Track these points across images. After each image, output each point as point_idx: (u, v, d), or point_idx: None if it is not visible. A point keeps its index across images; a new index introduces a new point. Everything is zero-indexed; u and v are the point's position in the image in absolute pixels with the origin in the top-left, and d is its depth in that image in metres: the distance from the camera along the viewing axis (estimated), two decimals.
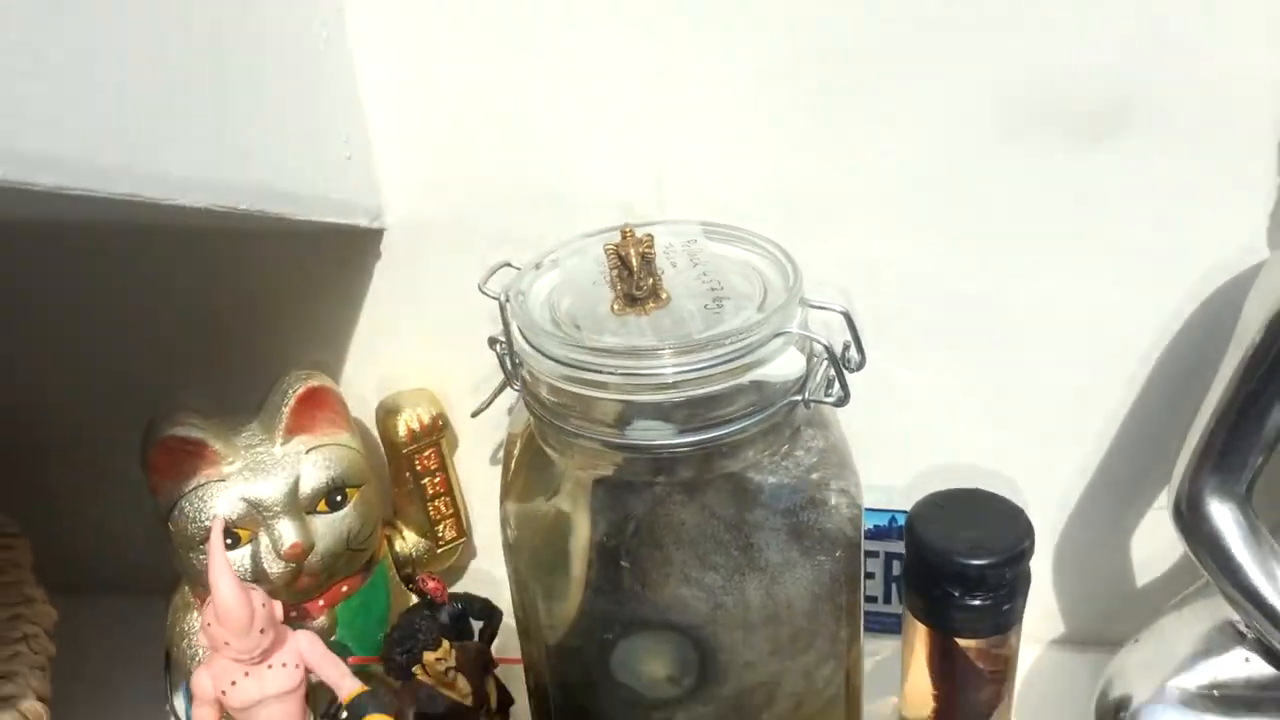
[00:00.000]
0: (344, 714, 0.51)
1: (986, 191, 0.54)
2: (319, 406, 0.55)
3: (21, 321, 0.64)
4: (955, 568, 0.49)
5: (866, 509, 0.53)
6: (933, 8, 0.51)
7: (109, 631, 0.67)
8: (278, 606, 0.49)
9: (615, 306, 0.46)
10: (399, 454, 0.60)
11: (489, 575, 0.66)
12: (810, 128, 0.54)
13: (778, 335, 0.45)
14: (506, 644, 0.58)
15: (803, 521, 0.49)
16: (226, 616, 0.47)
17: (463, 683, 0.53)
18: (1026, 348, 0.56)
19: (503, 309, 0.49)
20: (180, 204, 0.39)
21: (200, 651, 0.56)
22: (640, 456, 0.46)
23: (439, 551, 0.63)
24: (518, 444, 0.52)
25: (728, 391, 0.45)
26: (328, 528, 0.54)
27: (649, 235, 0.46)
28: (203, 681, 0.50)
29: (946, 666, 0.52)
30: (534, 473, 0.51)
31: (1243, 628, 0.50)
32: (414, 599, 0.60)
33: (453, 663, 0.52)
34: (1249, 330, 0.47)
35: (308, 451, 0.54)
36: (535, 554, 0.50)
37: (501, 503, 0.52)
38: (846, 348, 0.47)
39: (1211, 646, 0.50)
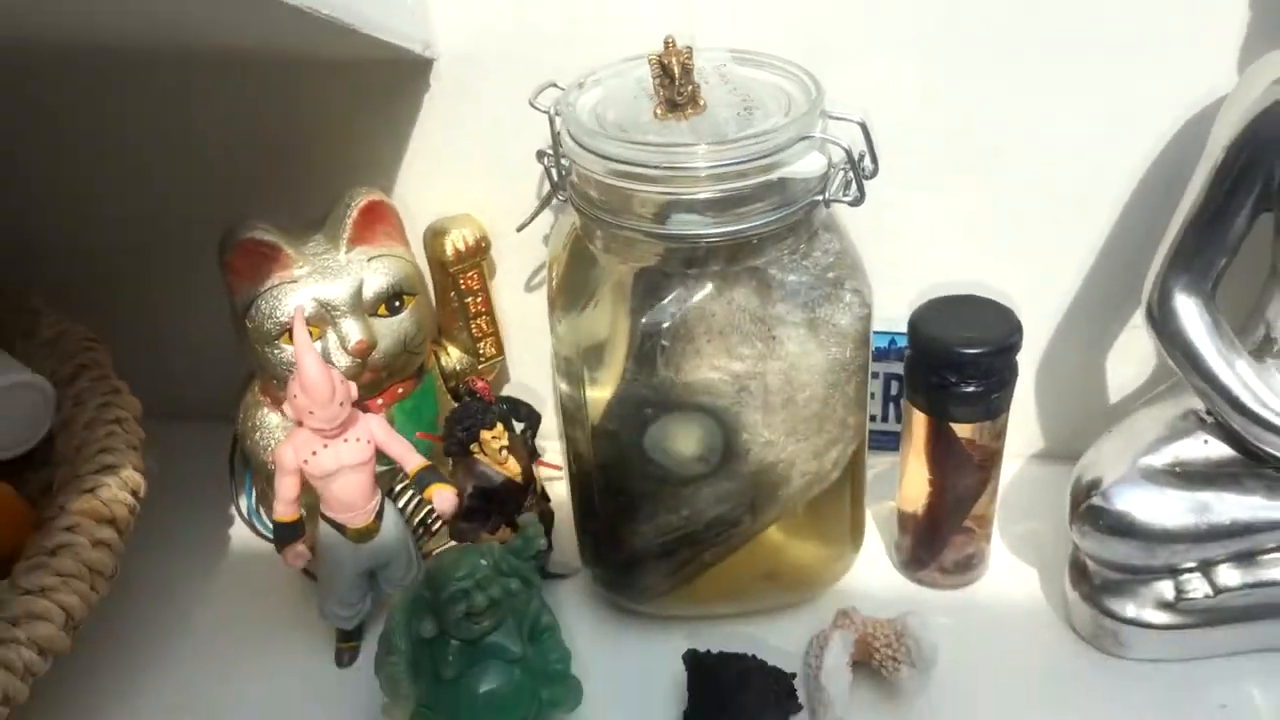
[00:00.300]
0: (410, 485, 0.58)
1: (983, 32, 0.59)
2: (379, 220, 0.61)
3: (103, 152, 0.69)
4: (952, 356, 0.55)
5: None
6: None
7: (172, 454, 0.73)
8: (352, 386, 0.56)
9: (657, 112, 0.52)
10: (445, 273, 0.66)
11: (526, 389, 0.72)
12: None
13: (802, 139, 0.51)
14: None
15: (819, 317, 0.55)
16: (312, 388, 0.53)
17: (514, 463, 0.59)
18: (1018, 176, 0.62)
19: (551, 121, 0.55)
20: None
21: (272, 442, 0.62)
22: (677, 247, 0.52)
23: (480, 367, 0.69)
24: (560, 261, 0.58)
25: (756, 188, 0.51)
26: (388, 329, 0.60)
27: (689, 47, 0.51)
28: (286, 453, 0.56)
29: (941, 453, 0.59)
30: (576, 277, 0.57)
31: (1203, 414, 0.57)
32: None
33: (506, 442, 0.58)
34: (1216, 146, 0.53)
35: (369, 260, 0.60)
36: (580, 346, 0.56)
37: (550, 306, 0.58)
38: (862, 157, 0.53)
39: (1175, 431, 0.57)
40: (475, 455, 0.58)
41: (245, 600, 0.67)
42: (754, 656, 0.58)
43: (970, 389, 0.56)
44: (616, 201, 0.52)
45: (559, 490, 0.67)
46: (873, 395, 0.70)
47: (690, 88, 0.51)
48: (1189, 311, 0.55)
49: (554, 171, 0.56)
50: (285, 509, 0.57)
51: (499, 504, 0.59)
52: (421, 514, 0.64)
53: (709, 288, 0.53)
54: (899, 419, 0.69)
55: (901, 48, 0.60)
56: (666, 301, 0.53)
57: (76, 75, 0.66)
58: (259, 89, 0.66)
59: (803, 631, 0.60)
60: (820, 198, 0.52)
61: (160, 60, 0.65)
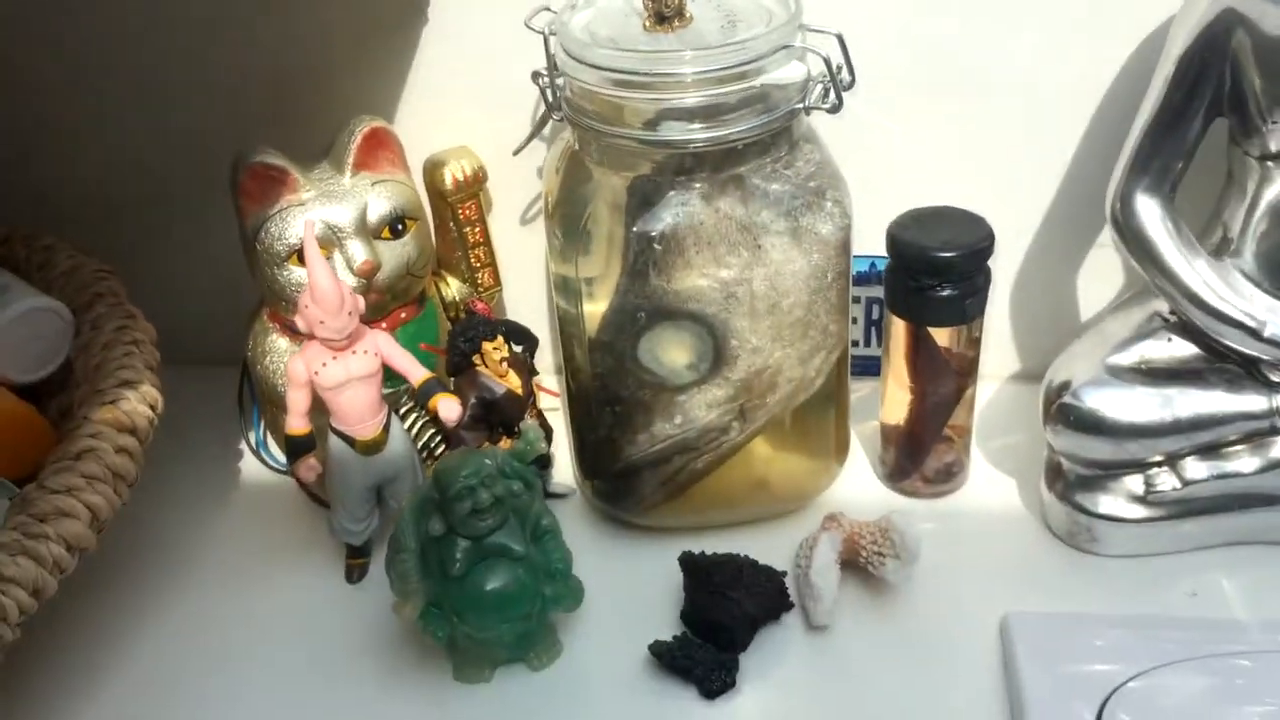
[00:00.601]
0: (415, 397, 0.61)
1: None
2: (381, 146, 0.64)
3: (108, 85, 0.71)
4: (929, 259, 0.58)
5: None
6: None
7: (183, 397, 0.76)
8: (360, 299, 0.58)
9: (646, 24, 0.55)
10: (444, 203, 0.69)
11: (523, 320, 0.75)
12: None
13: (782, 48, 0.54)
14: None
15: (801, 225, 0.58)
16: (322, 297, 0.56)
17: (514, 377, 0.62)
18: (990, 100, 0.65)
19: (546, 40, 0.57)
20: None
21: (281, 366, 0.65)
22: (667, 155, 0.55)
23: (479, 296, 0.72)
24: (555, 181, 0.61)
25: (739, 95, 0.54)
26: (391, 252, 0.63)
27: None
28: (296, 366, 0.59)
29: (921, 361, 0.62)
30: (572, 194, 0.59)
31: (1167, 315, 0.60)
32: None
33: (506, 354, 0.61)
34: (1170, 55, 0.56)
35: (373, 184, 0.63)
36: (576, 260, 0.59)
37: (547, 224, 0.61)
38: (840, 69, 0.56)
39: (1141, 332, 0.60)
40: (477, 367, 0.61)
41: (256, 527, 0.70)
42: (746, 556, 0.61)
43: (946, 292, 0.59)
44: (609, 112, 0.55)
45: (555, 421, 0.70)
46: (854, 320, 0.73)
47: (677, 1, 0.54)
48: (1149, 212, 0.58)
49: (549, 92, 0.59)
50: (297, 422, 0.60)
51: (500, 415, 0.61)
52: (425, 437, 0.67)
53: (698, 196, 0.56)
54: (880, 343, 0.72)
55: None
56: (658, 208, 0.56)
57: (83, 10, 0.69)
58: (262, 24, 0.68)
59: (791, 542, 0.63)
60: (800, 105, 0.55)
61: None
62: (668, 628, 0.59)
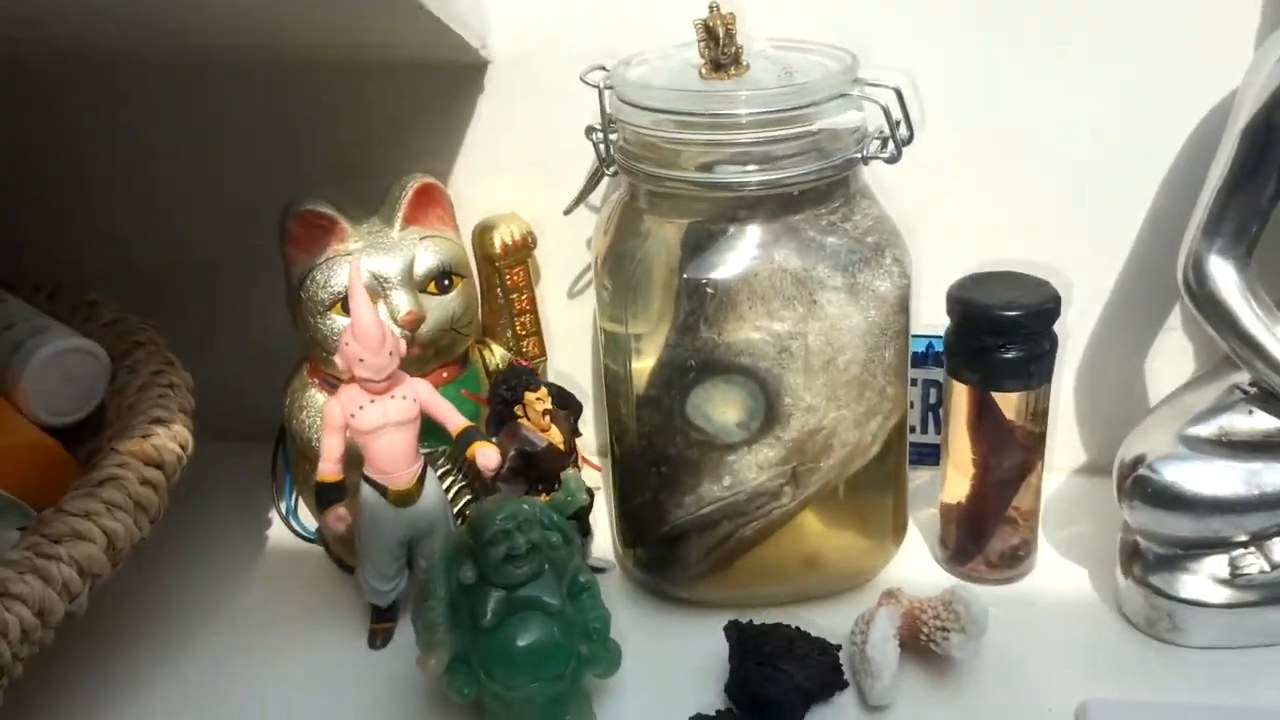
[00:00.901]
0: (453, 448, 0.58)
1: (1023, 16, 0.62)
2: (431, 203, 0.63)
3: (161, 161, 0.72)
4: (993, 318, 0.56)
5: None
6: None
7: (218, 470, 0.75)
8: (402, 342, 0.57)
9: (702, 72, 0.54)
10: (492, 268, 0.68)
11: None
12: None
13: (840, 96, 0.53)
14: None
15: (859, 282, 0.56)
16: (363, 332, 0.54)
17: (557, 433, 0.60)
18: (1051, 171, 0.64)
19: (601, 95, 0.57)
20: None
21: (318, 421, 0.63)
22: (721, 198, 0.54)
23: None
24: (606, 235, 0.60)
25: (795, 140, 0.53)
26: (437, 306, 0.62)
27: (732, 13, 0.54)
28: (333, 408, 0.57)
29: (984, 428, 0.59)
30: (622, 247, 0.58)
31: (1247, 386, 0.57)
32: None
33: (549, 405, 0.59)
34: (1240, 112, 0.55)
35: (421, 239, 0.62)
36: (626, 305, 0.57)
37: (595, 279, 0.60)
38: (898, 123, 0.55)
39: (1220, 404, 0.57)
40: (519, 419, 0.59)
41: (280, 592, 0.67)
42: (798, 627, 0.57)
43: (1011, 354, 0.56)
44: (664, 158, 0.54)
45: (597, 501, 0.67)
46: (912, 404, 0.70)
47: (734, 49, 0.54)
48: (1224, 274, 0.55)
49: (602, 147, 0.58)
50: (329, 468, 0.58)
51: (540, 469, 0.59)
52: (461, 503, 0.64)
53: (752, 244, 0.55)
54: (939, 429, 0.69)
55: (939, 34, 0.62)
56: (710, 253, 0.55)
57: (134, 79, 0.70)
58: (319, 95, 0.69)
59: (844, 622, 0.59)
60: (858, 154, 0.54)
61: (220, 65, 0.69)
62: (711, 702, 0.55)
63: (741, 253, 0.55)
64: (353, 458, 0.59)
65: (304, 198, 0.61)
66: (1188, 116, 0.62)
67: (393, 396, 0.57)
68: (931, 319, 0.63)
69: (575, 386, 0.73)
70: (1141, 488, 0.55)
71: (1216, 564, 0.56)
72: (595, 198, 0.67)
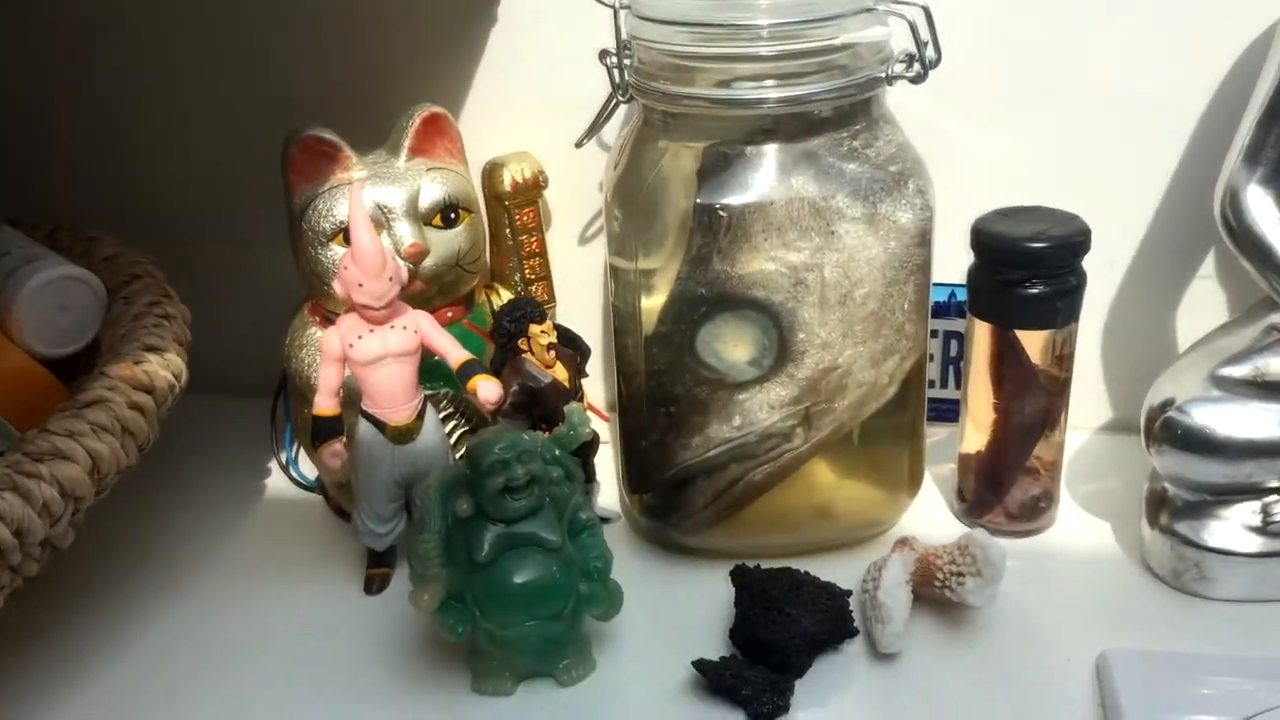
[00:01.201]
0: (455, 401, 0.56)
1: None
2: (439, 134, 0.61)
3: (169, 98, 0.71)
4: (1018, 251, 0.54)
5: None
6: None
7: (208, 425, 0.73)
8: (403, 269, 0.55)
9: None
10: (501, 208, 0.66)
11: None
12: None
13: (864, 10, 0.51)
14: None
15: (879, 212, 0.54)
16: (363, 256, 0.52)
17: (561, 370, 0.58)
18: (1083, 110, 0.61)
19: (615, 15, 0.55)
20: None
21: (318, 359, 0.61)
22: (740, 117, 0.52)
23: None
24: (615, 173, 0.58)
25: (817, 56, 0.51)
26: (442, 240, 0.60)
27: None
28: (330, 338, 0.55)
29: (1006, 369, 0.57)
30: (634, 177, 0.56)
31: None
32: None
33: (554, 338, 0.57)
34: None
35: (427, 170, 0.60)
36: (637, 235, 0.55)
37: (607, 210, 0.58)
38: (925, 44, 0.53)
39: (1255, 346, 0.54)
40: (523, 354, 0.57)
41: (278, 539, 0.65)
42: (806, 571, 0.54)
43: (1036, 290, 0.54)
44: (681, 77, 0.52)
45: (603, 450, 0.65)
46: (932, 357, 0.68)
47: None
48: (1263, 207, 0.53)
49: (616, 72, 0.56)
50: (326, 402, 0.56)
51: (543, 406, 0.57)
52: (461, 450, 0.62)
53: (769, 169, 0.53)
54: (959, 384, 0.67)
55: None
56: (725, 177, 0.52)
57: (133, 12, 0.68)
58: (323, 28, 0.67)
59: (856, 572, 0.56)
60: (883, 74, 0.52)
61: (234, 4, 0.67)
62: (715, 650, 0.53)
63: (758, 178, 0.53)
64: (352, 398, 0.57)
65: (307, 125, 0.60)
66: (1226, 51, 0.59)
67: (392, 327, 0.55)
68: (955, 267, 0.60)
69: (585, 336, 0.71)
70: (1170, 431, 0.53)
71: (1248, 511, 0.53)
72: (609, 136, 0.65)
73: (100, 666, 0.56)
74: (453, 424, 0.62)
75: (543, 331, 0.56)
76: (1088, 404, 0.68)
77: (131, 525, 0.66)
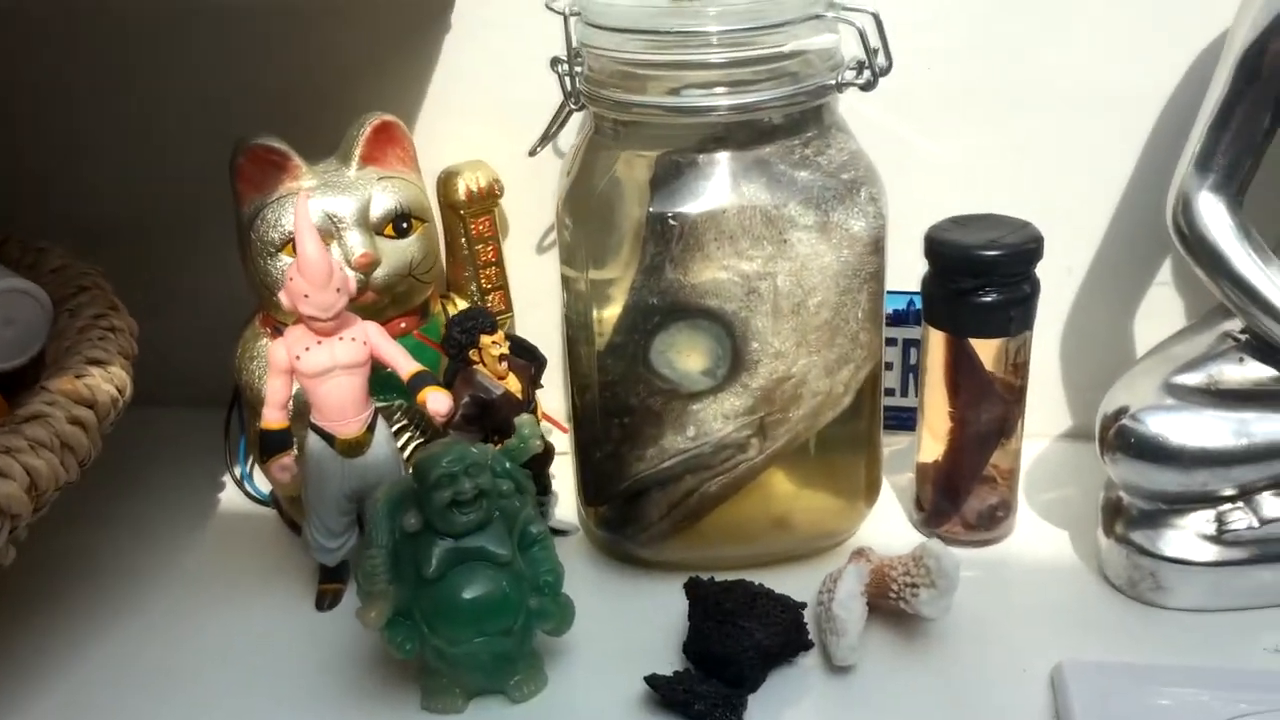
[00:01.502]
0: (406, 390, 0.56)
1: None
2: (390, 142, 0.60)
3: (119, 111, 0.70)
4: (970, 259, 0.53)
5: (886, 292, 0.57)
6: None
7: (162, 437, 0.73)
8: (351, 279, 0.54)
9: None
10: (456, 217, 0.65)
11: None
12: None
13: (813, 17, 0.50)
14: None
15: (832, 220, 0.53)
16: (308, 267, 0.52)
17: (514, 381, 0.57)
18: (1037, 113, 0.61)
19: (566, 22, 0.55)
20: None
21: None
22: (691, 125, 0.51)
23: None
24: (566, 183, 0.57)
25: (768, 63, 0.50)
26: (394, 250, 0.59)
27: None
28: (277, 351, 0.54)
29: (961, 377, 0.57)
30: (588, 180, 0.55)
31: (1238, 334, 0.54)
32: None
33: (506, 349, 0.56)
34: (1234, 45, 0.52)
35: (379, 179, 0.59)
36: (587, 246, 0.55)
37: (558, 215, 0.57)
38: (875, 51, 0.52)
39: (1209, 353, 0.54)
40: (474, 365, 0.56)
41: (231, 554, 0.64)
42: (761, 584, 0.54)
43: (989, 299, 0.54)
44: (631, 85, 0.52)
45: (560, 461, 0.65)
46: (890, 365, 0.67)
47: None
48: (1213, 212, 0.53)
49: (568, 80, 0.56)
50: (274, 415, 0.55)
51: (495, 418, 0.56)
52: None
53: (721, 176, 0.52)
54: (918, 392, 0.66)
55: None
56: (677, 186, 0.52)
57: (78, 22, 0.67)
58: (273, 36, 0.66)
59: (812, 584, 0.56)
60: (832, 81, 0.51)
61: (170, 5, 0.66)
62: (670, 664, 0.52)
63: (710, 187, 0.52)
64: (302, 411, 0.56)
65: (255, 134, 0.59)
66: (1180, 58, 0.59)
67: (341, 338, 0.54)
68: (913, 274, 0.60)
69: (542, 347, 0.70)
70: (1124, 439, 0.53)
71: (1202, 520, 0.53)
72: (566, 144, 0.64)
73: (49, 685, 0.55)
74: (406, 436, 0.62)
75: (494, 342, 0.56)
76: (1046, 411, 0.68)
77: (83, 540, 0.65)
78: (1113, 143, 0.61)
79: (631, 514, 0.58)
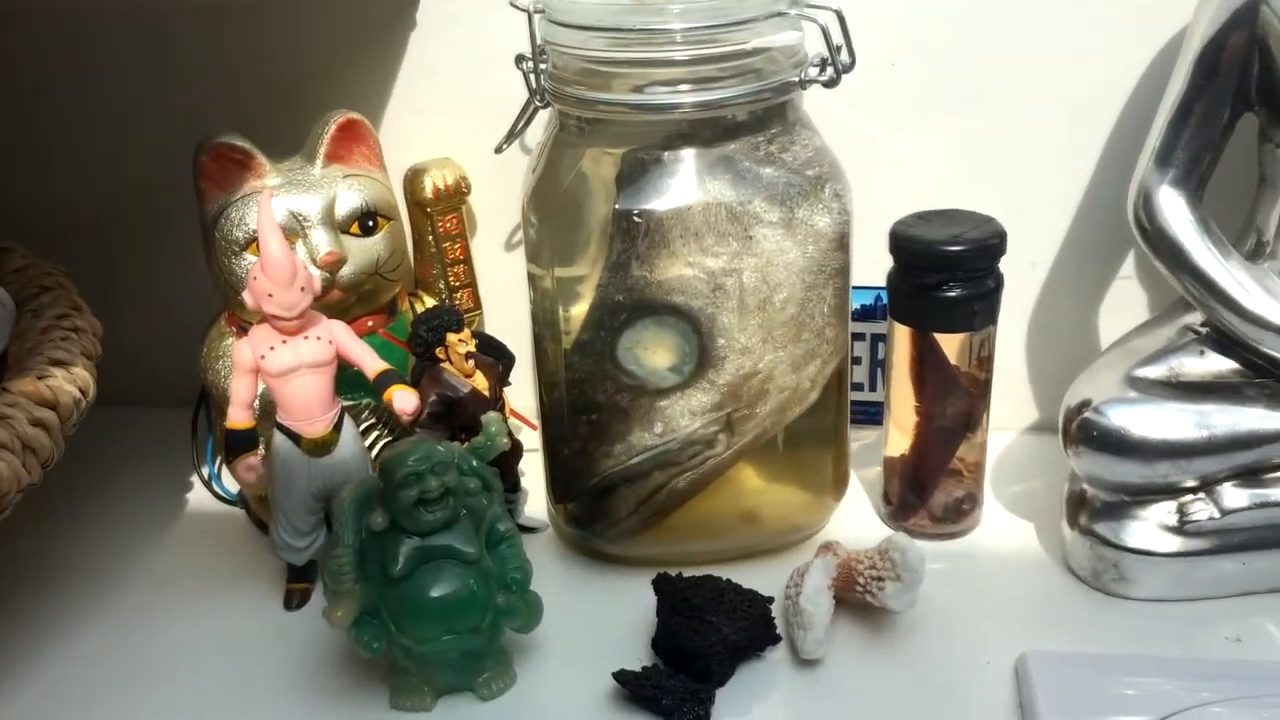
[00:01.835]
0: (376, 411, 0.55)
1: None
2: (355, 140, 0.60)
3: (81, 111, 0.69)
4: (934, 255, 0.54)
5: (853, 287, 0.58)
6: None
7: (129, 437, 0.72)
8: (316, 278, 0.54)
9: None
10: (424, 215, 0.65)
11: None
12: None
13: (776, 14, 0.51)
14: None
15: (797, 217, 0.54)
16: (272, 266, 0.51)
17: (481, 379, 0.57)
18: (1000, 113, 0.62)
19: (530, 19, 0.55)
20: None
21: None
22: (655, 122, 0.52)
23: None
24: (532, 180, 0.57)
25: (731, 61, 0.50)
26: (360, 248, 0.59)
27: None
28: (242, 350, 0.54)
29: (926, 372, 0.57)
30: (554, 176, 0.55)
31: (1199, 327, 0.55)
32: None
33: (473, 347, 0.56)
34: (1192, 41, 0.53)
35: (344, 177, 0.59)
36: (552, 243, 0.55)
37: (524, 212, 0.57)
38: (838, 48, 0.53)
39: (1171, 346, 0.55)
40: (441, 363, 0.56)
41: (199, 554, 0.64)
42: (729, 579, 0.54)
43: (954, 293, 0.54)
44: (596, 82, 0.52)
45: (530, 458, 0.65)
46: (859, 360, 0.68)
47: None
48: (1174, 206, 0.53)
49: (533, 77, 0.56)
50: (239, 414, 0.55)
51: (462, 416, 0.56)
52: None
53: (686, 173, 0.52)
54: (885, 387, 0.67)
55: None
56: (642, 183, 0.52)
57: (38, 21, 0.67)
58: (238, 34, 0.66)
59: (781, 578, 0.56)
60: (796, 78, 0.52)
61: (146, 4, 0.66)
62: (639, 660, 0.52)
63: (675, 184, 0.52)
64: (268, 410, 0.56)
65: (219, 132, 0.58)
66: (1139, 55, 0.60)
67: (306, 337, 0.54)
68: (880, 269, 0.60)
69: (511, 344, 0.70)
70: (1087, 432, 0.53)
71: (1165, 511, 0.54)
72: (533, 141, 0.64)
73: (16, 688, 0.55)
74: (374, 435, 0.61)
75: (461, 340, 0.55)
76: (1012, 405, 0.68)
77: (49, 541, 0.65)
78: (1075, 138, 0.62)
79: (600, 510, 0.58)
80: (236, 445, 0.55)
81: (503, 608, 0.51)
